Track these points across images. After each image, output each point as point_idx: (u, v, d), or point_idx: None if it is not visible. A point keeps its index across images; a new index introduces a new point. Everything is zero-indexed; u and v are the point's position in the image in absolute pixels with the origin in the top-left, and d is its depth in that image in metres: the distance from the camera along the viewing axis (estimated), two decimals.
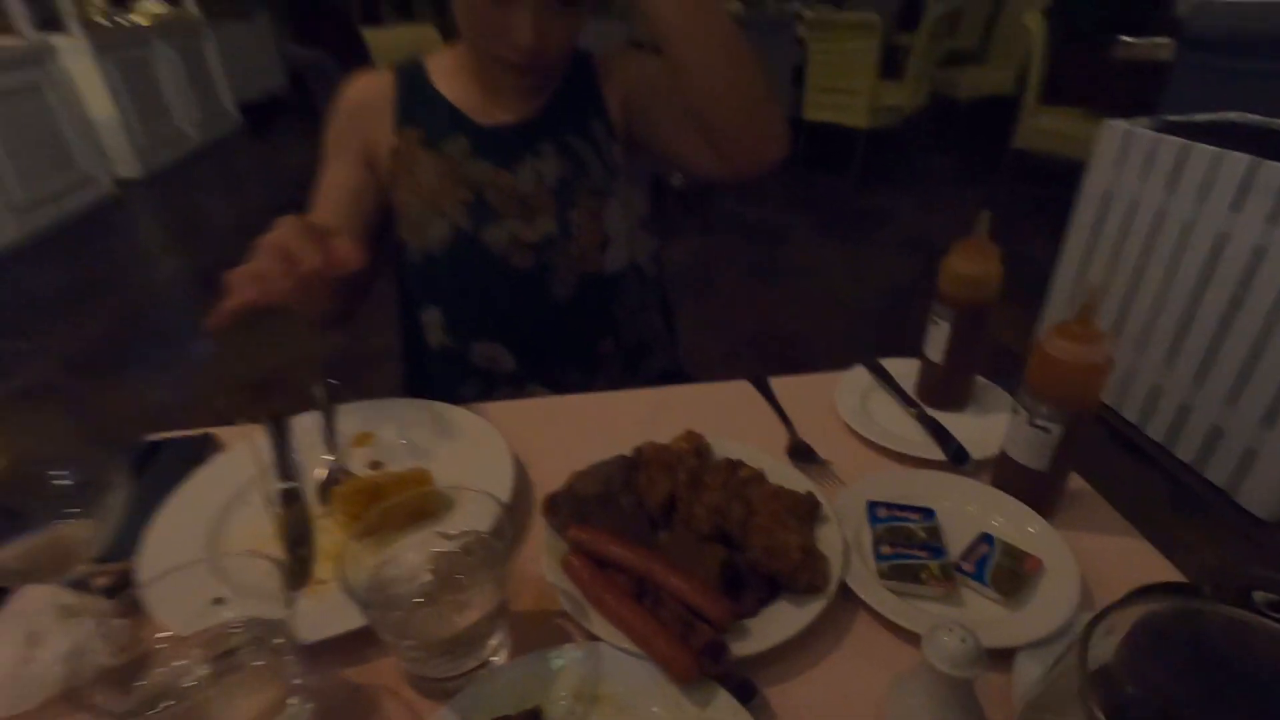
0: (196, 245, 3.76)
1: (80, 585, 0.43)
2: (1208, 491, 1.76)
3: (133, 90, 4.60)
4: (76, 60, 4.18)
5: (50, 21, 4.12)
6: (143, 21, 5.13)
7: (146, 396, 2.29)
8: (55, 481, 0.40)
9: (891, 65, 4.09)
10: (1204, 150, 1.73)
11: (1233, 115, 2.05)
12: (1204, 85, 2.63)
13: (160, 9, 5.66)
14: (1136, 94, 3.01)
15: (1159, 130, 1.87)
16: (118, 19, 5.09)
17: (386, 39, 3.96)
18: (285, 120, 6.51)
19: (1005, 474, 0.60)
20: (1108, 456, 1.94)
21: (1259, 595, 0.36)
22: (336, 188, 0.86)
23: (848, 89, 3.81)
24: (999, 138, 3.73)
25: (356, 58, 3.72)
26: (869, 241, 3.46)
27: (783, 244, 3.42)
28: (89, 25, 4.37)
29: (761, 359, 2.39)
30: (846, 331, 2.59)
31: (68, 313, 2.90)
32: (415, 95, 0.86)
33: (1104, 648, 0.35)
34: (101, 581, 0.45)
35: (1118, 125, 1.98)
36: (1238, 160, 1.65)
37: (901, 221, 3.68)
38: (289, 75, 7.00)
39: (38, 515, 0.39)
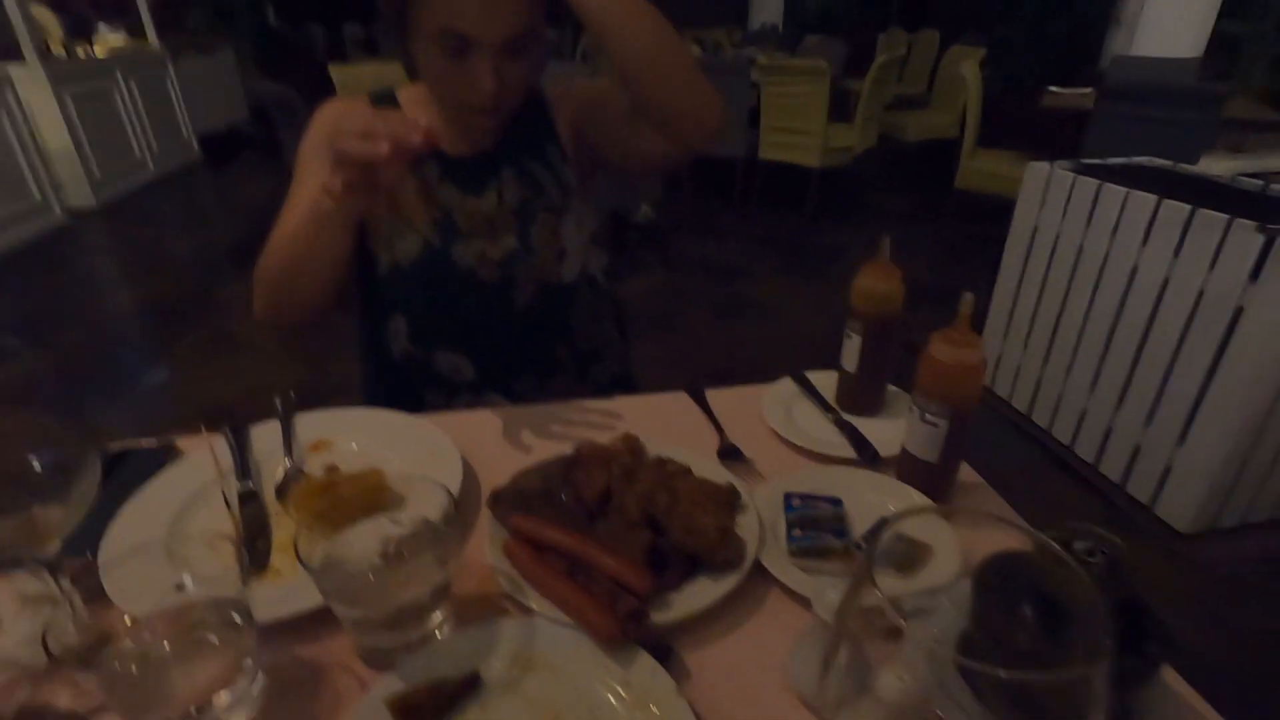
0: (149, 277, 3.71)
1: (51, 567, 0.46)
2: (1131, 506, 1.87)
3: (89, 121, 4.57)
4: (33, 90, 4.15)
5: (7, 50, 4.10)
6: (101, 54, 5.12)
7: (100, 423, 2.25)
8: (32, 465, 0.43)
9: (842, 108, 4.31)
10: (1115, 190, 1.89)
11: (1143, 159, 2.24)
12: (1120, 131, 2.85)
13: (120, 42, 5.66)
14: (1063, 139, 3.24)
15: (1077, 172, 2.03)
16: (77, 50, 5.08)
17: (352, 75, 4.03)
18: (245, 153, 6.49)
19: (905, 467, 0.67)
20: (1042, 476, 2.06)
21: (1077, 544, 0.43)
22: (312, 201, 0.88)
23: (800, 130, 4.01)
24: (944, 178, 3.94)
25: (322, 93, 3.78)
26: (825, 276, 3.60)
27: (741, 279, 3.53)
28: (46, 56, 4.36)
29: (716, 383, 2.47)
30: (803, 362, 2.68)
31: (17, 342, 2.83)
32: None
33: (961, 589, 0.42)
34: (69, 570, 0.48)
35: (1041, 167, 2.14)
36: (1144, 200, 1.81)
37: (855, 256, 3.84)
38: (252, 109, 7.01)
39: (13, 497, 0.43)
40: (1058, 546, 0.34)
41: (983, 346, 0.60)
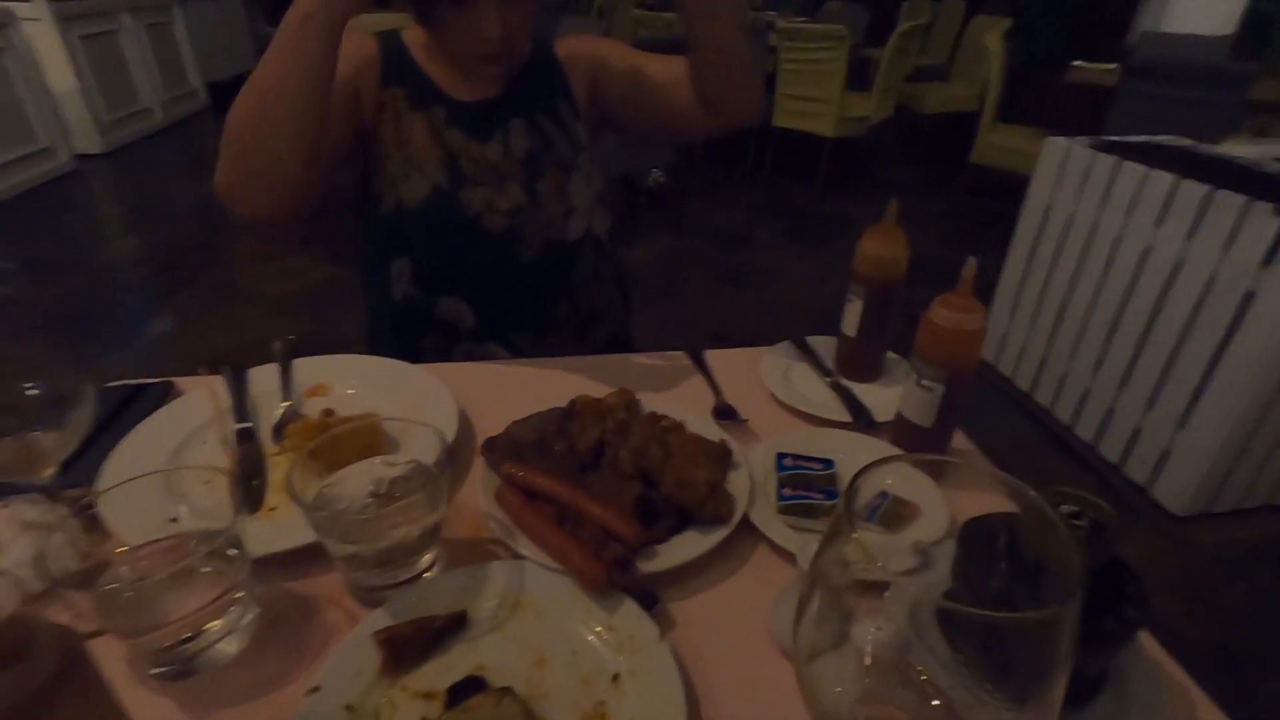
0: (154, 225, 3.70)
1: (48, 492, 0.47)
2: (1127, 487, 1.88)
3: (96, 64, 4.51)
4: (39, 30, 4.09)
5: None
6: None
7: (100, 369, 2.27)
8: (28, 393, 0.44)
9: (859, 77, 4.22)
10: (1133, 168, 1.85)
11: (1163, 138, 2.19)
12: (1143, 109, 2.79)
13: None
14: (1084, 115, 3.17)
15: (1096, 149, 1.99)
16: None
17: (360, 25, 3.95)
18: None
19: (900, 431, 0.67)
20: (1041, 454, 2.06)
21: (1065, 508, 0.44)
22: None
23: (816, 98, 3.93)
24: (960, 152, 3.87)
25: None
26: (833, 247, 3.56)
27: (749, 247, 3.51)
28: None
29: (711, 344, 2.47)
30: (806, 330, 2.68)
31: (19, 287, 2.84)
32: (398, 66, 0.90)
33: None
34: (66, 501, 0.49)
35: (1058, 143, 2.10)
36: (1161, 179, 1.77)
37: (865, 228, 3.79)
38: (259, 53, 6.90)
39: (9, 423, 0.43)
40: (1040, 498, 0.34)
41: (983, 313, 0.60)
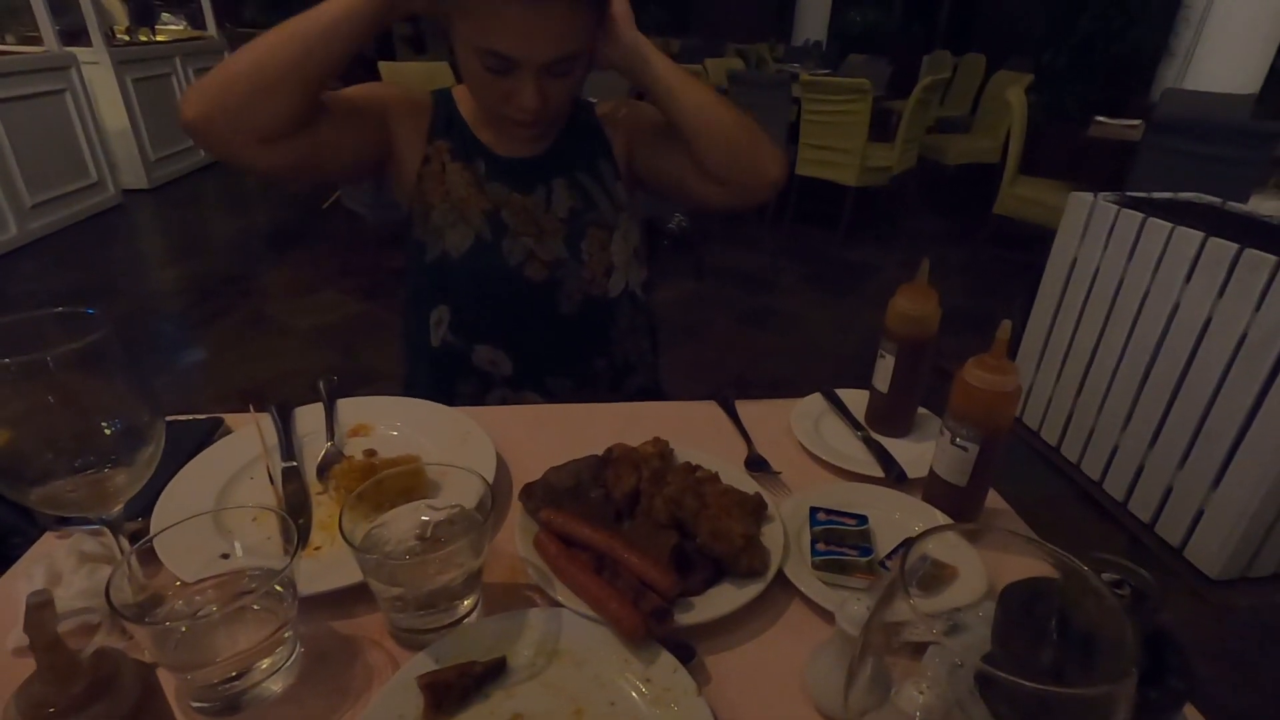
0: (192, 257, 3.83)
1: (113, 527, 0.49)
2: (1159, 548, 1.83)
3: (147, 105, 4.73)
4: (97, 73, 4.31)
5: (76, 35, 4.27)
6: (162, 40, 5.31)
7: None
8: (105, 431, 0.46)
9: (882, 128, 4.29)
10: (1159, 225, 1.86)
11: (1190, 195, 2.20)
12: (1168, 166, 2.80)
13: (180, 30, 5.86)
14: (1107, 170, 3.19)
15: (1121, 205, 2.00)
16: (140, 35, 5.27)
17: (399, 72, 4.12)
18: None
19: (933, 489, 0.67)
20: (1069, 510, 2.02)
21: (1105, 576, 0.44)
22: (341, 94, 0.87)
23: (839, 148, 4.00)
24: (982, 202, 3.90)
25: None
26: (855, 293, 3.58)
27: (771, 291, 3.53)
28: (111, 41, 4.53)
29: (743, 395, 2.48)
30: (828, 376, 2.68)
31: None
32: (446, 119, 0.94)
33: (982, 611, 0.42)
34: (126, 534, 0.51)
35: (1084, 198, 2.11)
36: (1189, 236, 1.77)
37: (886, 276, 3.82)
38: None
39: (90, 459, 0.46)
40: (1085, 569, 0.34)
41: (1018, 375, 0.60)
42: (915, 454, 0.77)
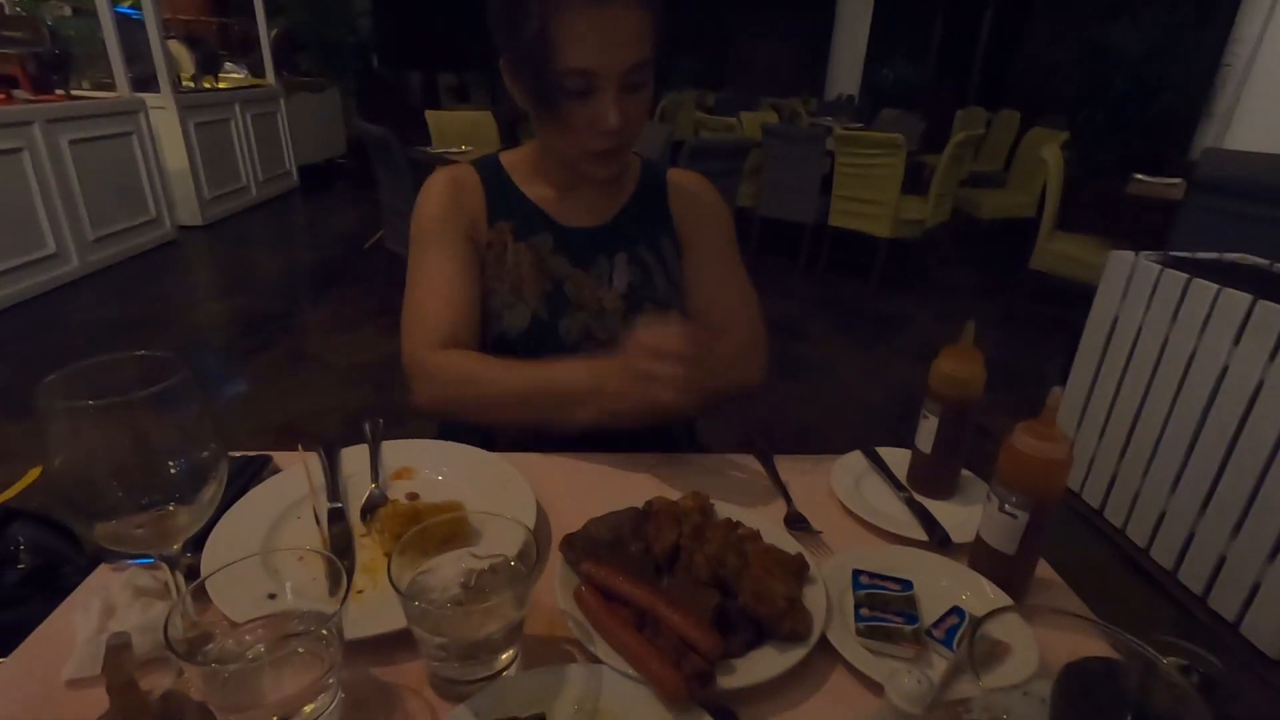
0: (240, 291, 3.97)
1: (172, 564, 0.50)
2: (1213, 621, 1.74)
3: (206, 148, 4.98)
4: (162, 117, 4.57)
5: (146, 82, 4.54)
6: (224, 87, 5.61)
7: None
8: (172, 470, 0.48)
9: (915, 182, 4.32)
10: (1205, 286, 1.83)
11: (1235, 255, 2.16)
12: (1210, 225, 2.76)
13: (241, 78, 6.19)
14: (1148, 228, 3.15)
15: (1163, 264, 1.98)
16: (204, 83, 5.58)
17: (444, 120, 4.30)
18: (338, 184, 6.94)
19: (980, 556, 0.66)
20: (1115, 579, 1.94)
21: (1169, 660, 0.42)
22: (452, 274, 0.90)
23: (872, 200, 4.03)
24: (1018, 257, 3.88)
25: (416, 135, 4.04)
26: (886, 344, 3.56)
27: (803, 341, 3.53)
28: (178, 87, 4.80)
29: (775, 445, 2.46)
30: (858, 427, 2.65)
31: (118, 343, 3.06)
32: (502, 194, 0.94)
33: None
34: (182, 570, 0.52)
35: (1125, 256, 2.09)
36: (1236, 298, 1.74)
37: (918, 328, 3.79)
38: (350, 144, 7.51)
39: (156, 497, 0.47)
40: (1157, 655, 0.33)
41: (1069, 442, 0.59)
42: (959, 518, 0.75)
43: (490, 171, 0.96)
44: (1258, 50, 3.77)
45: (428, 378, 0.86)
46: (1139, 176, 3.59)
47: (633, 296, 0.94)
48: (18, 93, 3.64)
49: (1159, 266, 1.97)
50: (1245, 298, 1.71)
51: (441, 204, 0.93)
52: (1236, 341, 1.73)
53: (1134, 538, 2.00)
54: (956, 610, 0.60)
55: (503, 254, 0.92)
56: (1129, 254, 2.08)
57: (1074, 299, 2.72)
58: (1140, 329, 2.01)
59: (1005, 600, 0.62)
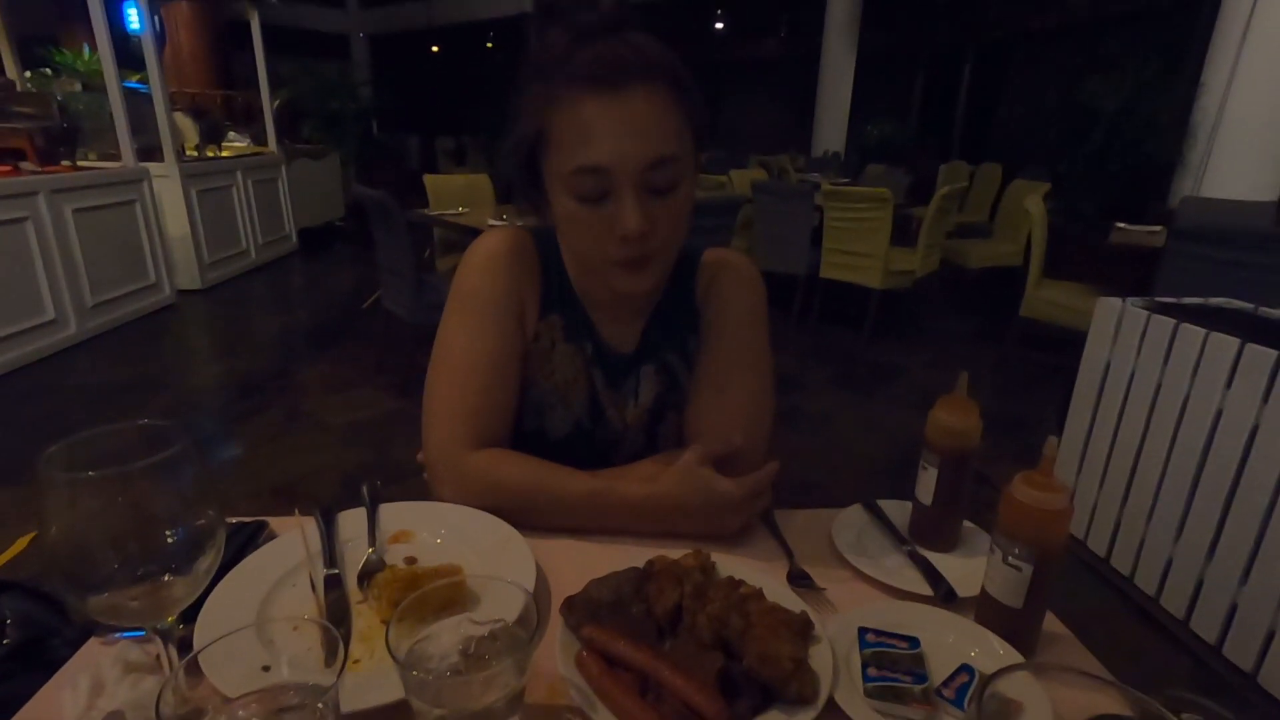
0: (237, 353, 3.98)
1: (165, 637, 0.49)
2: (1230, 672, 1.70)
3: (208, 214, 5.09)
4: (165, 185, 4.67)
5: (150, 151, 4.66)
6: (227, 155, 5.77)
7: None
8: (169, 539, 0.47)
9: (904, 233, 4.42)
10: (1193, 331, 1.85)
11: (1220, 300, 2.20)
12: (1192, 271, 2.82)
13: (244, 146, 6.37)
14: (1132, 274, 3.21)
15: (1151, 310, 2.01)
16: (208, 151, 5.73)
17: (442, 184, 4.40)
18: (337, 246, 7.05)
19: (986, 611, 0.65)
20: (1125, 629, 1.90)
21: (1186, 716, 0.41)
22: (495, 357, 0.84)
23: (862, 252, 4.11)
24: (1007, 304, 3.93)
25: (415, 198, 4.13)
26: (882, 394, 3.57)
27: (799, 391, 3.54)
28: (181, 156, 4.93)
29: (776, 500, 2.43)
30: (857, 479, 2.63)
31: (112, 408, 3.05)
32: (558, 281, 0.89)
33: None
34: (175, 642, 0.51)
35: (1112, 303, 2.13)
36: (1226, 342, 1.76)
37: (913, 377, 3.82)
38: (349, 207, 7.68)
39: (152, 568, 0.47)
40: (1171, 715, 0.33)
41: (1068, 492, 0.60)
42: (964, 571, 0.74)
43: (549, 251, 0.89)
44: (1225, 102, 3.92)
45: (460, 480, 0.81)
46: (1120, 225, 3.68)
47: (656, 407, 0.92)
48: (25, 165, 3.74)
49: (1146, 312, 2.00)
50: (1233, 341, 1.74)
51: (495, 273, 0.85)
52: (1229, 385, 1.74)
53: (1143, 586, 1.96)
54: (966, 668, 0.59)
55: (549, 351, 0.88)
56: (1116, 300, 2.11)
57: (1065, 344, 2.75)
58: (1133, 374, 2.02)
59: (1015, 657, 0.61)
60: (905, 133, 9.47)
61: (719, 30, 12.75)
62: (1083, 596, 2.03)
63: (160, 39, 5.67)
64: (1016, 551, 0.61)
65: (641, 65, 0.70)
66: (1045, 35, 9.57)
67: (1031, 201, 3.61)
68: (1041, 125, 5.68)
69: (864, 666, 0.59)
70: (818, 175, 6.42)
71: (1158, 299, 2.14)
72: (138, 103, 4.64)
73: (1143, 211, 4.11)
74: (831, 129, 9.22)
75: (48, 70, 5.76)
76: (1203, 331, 1.82)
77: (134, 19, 5.66)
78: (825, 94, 9.18)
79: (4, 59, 5.51)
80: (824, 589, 0.73)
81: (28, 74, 5.58)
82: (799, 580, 0.73)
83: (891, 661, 0.60)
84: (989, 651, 0.62)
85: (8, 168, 3.61)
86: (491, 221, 3.37)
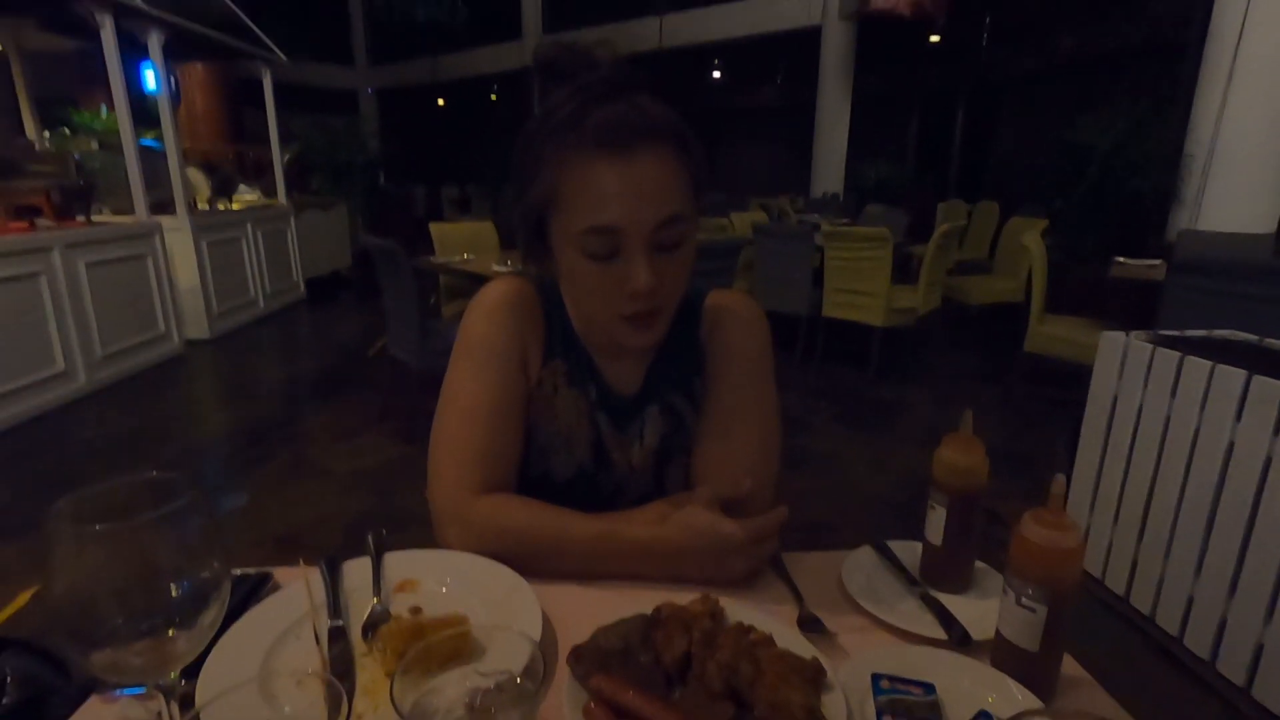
0: (244, 402, 4.00)
1: (167, 694, 0.49)
2: (1261, 715, 1.64)
3: (218, 265, 5.18)
4: (176, 237, 4.77)
5: (163, 205, 4.77)
6: (237, 208, 5.89)
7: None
8: (173, 593, 0.47)
9: (905, 271, 4.46)
10: (1199, 364, 1.85)
11: (1225, 332, 2.20)
12: (1194, 304, 2.82)
13: (254, 199, 6.52)
14: (1134, 307, 3.23)
15: (1155, 343, 2.01)
16: (219, 204, 5.86)
17: (447, 231, 4.48)
18: (343, 294, 7.14)
19: (1002, 654, 0.63)
20: (1149, 671, 1.85)
21: None
22: (499, 403, 0.84)
23: (864, 291, 4.14)
24: (1011, 339, 3.94)
25: (421, 246, 4.20)
26: (890, 432, 3.55)
27: (805, 432, 3.52)
28: (193, 210, 5.04)
29: (784, 542, 2.40)
30: (865, 518, 2.60)
31: (118, 458, 3.05)
32: (560, 327, 0.90)
33: None
34: (177, 698, 0.51)
35: (1116, 337, 2.13)
36: (1232, 374, 1.75)
37: (919, 414, 3.80)
38: (356, 256, 7.80)
39: (156, 622, 0.46)
40: None
41: (1079, 529, 0.59)
42: (977, 613, 0.73)
43: (551, 297, 0.91)
44: (1216, 135, 3.99)
45: (465, 526, 0.80)
46: (1120, 259, 3.71)
47: (662, 450, 0.91)
48: (41, 221, 3.82)
49: (1151, 346, 2.00)
50: (1240, 373, 1.73)
51: (499, 322, 0.86)
52: (1238, 417, 1.73)
53: (1164, 625, 1.91)
54: (984, 715, 0.58)
55: (552, 396, 0.89)
56: (1120, 334, 2.11)
57: (1070, 379, 2.74)
58: (1140, 408, 2.01)
59: (1034, 702, 0.59)
60: (902, 173, 9.64)
61: (717, 80, 13.10)
62: (1102, 637, 1.98)
63: (175, 98, 5.86)
64: (1030, 592, 0.60)
65: (648, 128, 0.73)
66: (1035, 76, 9.82)
67: (1030, 238, 3.64)
68: (1036, 163, 5.78)
69: (879, 714, 0.58)
70: (817, 216, 6.51)
71: (1161, 332, 2.14)
72: (152, 159, 4.77)
73: (1140, 245, 4.14)
74: (829, 171, 9.39)
75: (66, 130, 5.94)
76: (1209, 364, 1.81)
77: (150, 80, 5.86)
78: (822, 137, 9.38)
79: (25, 120, 5.70)
80: (835, 634, 0.71)
81: (46, 134, 5.76)
82: (809, 625, 0.72)
83: (907, 708, 0.58)
84: (1007, 697, 0.60)
85: (25, 224, 3.69)
86: (496, 267, 3.42)
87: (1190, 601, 1.84)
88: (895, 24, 7.75)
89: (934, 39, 10.04)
